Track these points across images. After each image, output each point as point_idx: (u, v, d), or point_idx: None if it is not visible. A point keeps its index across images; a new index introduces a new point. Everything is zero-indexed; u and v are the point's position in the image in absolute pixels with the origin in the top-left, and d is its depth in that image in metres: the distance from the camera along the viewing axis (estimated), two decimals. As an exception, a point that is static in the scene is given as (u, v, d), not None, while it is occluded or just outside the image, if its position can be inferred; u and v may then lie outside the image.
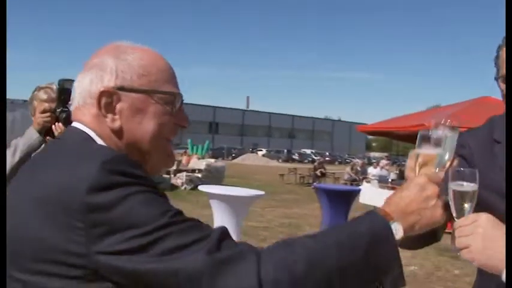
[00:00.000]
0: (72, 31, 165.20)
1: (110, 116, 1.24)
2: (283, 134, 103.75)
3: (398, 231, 1.18)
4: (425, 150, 1.42)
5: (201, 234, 1.05)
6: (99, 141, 1.23)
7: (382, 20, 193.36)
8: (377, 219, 1.19)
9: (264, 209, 15.22)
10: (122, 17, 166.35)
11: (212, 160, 23.68)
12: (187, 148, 28.07)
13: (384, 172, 20.59)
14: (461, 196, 1.38)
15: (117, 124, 1.24)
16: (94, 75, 1.24)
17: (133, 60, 1.26)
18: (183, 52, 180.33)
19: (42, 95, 3.09)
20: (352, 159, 38.84)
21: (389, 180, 16.81)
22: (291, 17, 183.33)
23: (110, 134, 1.24)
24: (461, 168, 1.41)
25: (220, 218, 6.92)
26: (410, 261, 9.35)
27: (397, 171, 21.06)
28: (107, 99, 1.23)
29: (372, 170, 21.32)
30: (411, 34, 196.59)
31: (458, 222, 1.40)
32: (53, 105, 2.97)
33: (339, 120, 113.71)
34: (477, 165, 1.64)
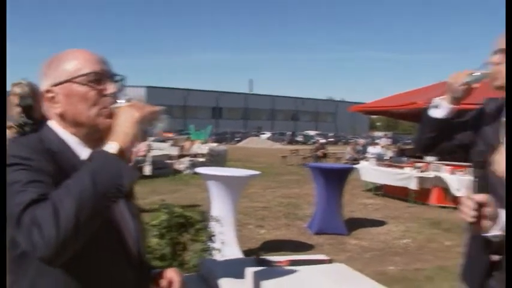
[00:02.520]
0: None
1: (53, 105, 1.66)
2: (287, 116, 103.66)
3: (111, 148, 1.50)
4: None
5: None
6: (53, 127, 1.67)
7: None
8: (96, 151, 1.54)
9: (265, 190, 15.52)
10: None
11: (214, 144, 23.95)
12: (190, 134, 28.37)
13: (383, 151, 20.93)
14: None
15: (58, 110, 1.65)
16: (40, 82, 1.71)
17: (59, 63, 1.66)
18: (184, 38, 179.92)
19: (16, 89, 3.42)
20: (356, 139, 38.97)
21: (387, 158, 17.04)
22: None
23: (58, 118, 1.66)
24: None
25: (216, 198, 7.18)
26: (404, 235, 9.65)
27: (396, 149, 21.32)
28: (48, 95, 1.66)
29: (371, 149, 21.60)
30: (414, 11, 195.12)
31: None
32: (28, 100, 3.33)
33: (342, 101, 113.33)
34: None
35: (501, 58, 2.17)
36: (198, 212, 3.21)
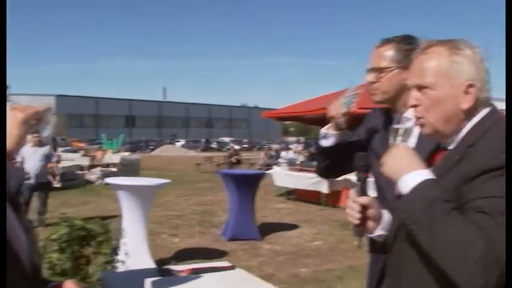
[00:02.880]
0: None
1: None
2: (201, 123, 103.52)
3: None
4: None
5: None
6: None
7: (297, 3, 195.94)
8: None
9: (179, 198, 15.41)
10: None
11: (126, 153, 23.54)
12: (102, 143, 27.73)
13: (295, 156, 21.37)
14: None
15: None
16: None
17: None
18: (97, 45, 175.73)
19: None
20: (270, 145, 39.47)
21: (299, 162, 17.36)
22: (203, 5, 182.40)
23: None
24: None
25: (127, 208, 7.06)
26: (316, 237, 9.86)
27: (307, 154, 21.80)
28: None
29: (283, 154, 21.97)
30: (324, 17, 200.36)
31: None
32: None
33: (256, 107, 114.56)
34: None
35: (374, 76, 2.35)
36: (99, 224, 3.13)
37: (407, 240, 1.55)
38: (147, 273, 2.42)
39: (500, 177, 1.40)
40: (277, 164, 18.80)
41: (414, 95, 1.65)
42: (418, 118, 1.66)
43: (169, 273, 2.42)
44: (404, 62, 2.27)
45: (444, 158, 1.63)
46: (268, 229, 10.28)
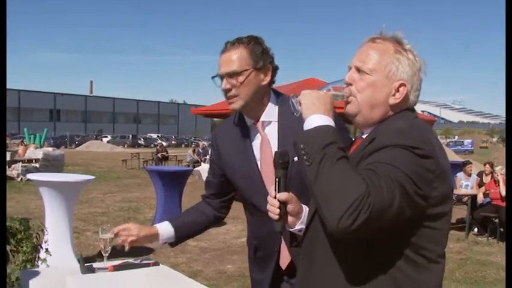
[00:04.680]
0: None
1: None
2: (129, 119, 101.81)
3: None
4: None
5: None
6: None
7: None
8: None
9: (105, 195, 15.10)
10: None
11: (50, 149, 22.77)
12: (24, 138, 26.74)
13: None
14: None
15: None
16: None
17: None
18: (16, 37, 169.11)
19: None
20: (198, 142, 39.28)
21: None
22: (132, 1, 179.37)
23: None
24: None
25: (50, 205, 6.82)
26: (242, 234, 9.90)
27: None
28: None
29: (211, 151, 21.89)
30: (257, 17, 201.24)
31: None
32: None
33: (184, 104, 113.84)
34: None
35: (229, 83, 2.22)
36: (19, 221, 3.01)
37: (321, 225, 1.60)
38: (69, 271, 2.35)
39: (393, 148, 1.50)
40: (205, 160, 18.74)
41: (350, 74, 1.74)
42: (348, 96, 1.74)
43: (92, 270, 2.36)
44: (259, 64, 2.22)
45: (358, 145, 1.73)
46: (195, 226, 10.22)
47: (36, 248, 3.17)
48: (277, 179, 1.74)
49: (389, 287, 1.55)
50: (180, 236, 2.53)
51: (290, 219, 1.81)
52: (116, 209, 12.61)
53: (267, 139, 2.33)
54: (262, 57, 2.23)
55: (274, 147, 2.27)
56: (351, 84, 1.73)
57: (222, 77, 2.23)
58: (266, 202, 1.78)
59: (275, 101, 2.36)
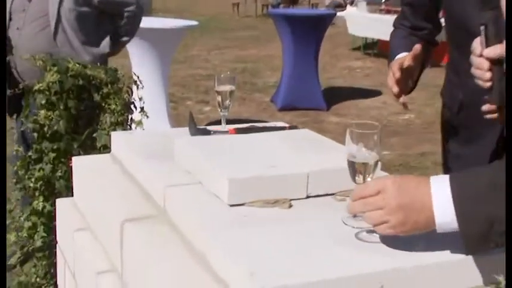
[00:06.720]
0: None
1: None
2: None
3: None
4: None
5: None
6: None
7: None
8: None
9: (210, 52, 15.42)
10: None
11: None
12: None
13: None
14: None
15: None
16: None
17: None
18: None
19: None
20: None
21: (383, 1, 16.85)
22: None
23: None
24: None
25: (138, 64, 7.01)
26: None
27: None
28: None
29: (361, -10, 21.34)
30: None
31: (357, 192, 1.54)
32: None
33: None
34: None
35: None
36: (104, 70, 3.10)
37: None
38: (172, 134, 2.44)
39: None
40: (352, 2, 18.42)
41: None
42: None
43: (207, 133, 2.44)
44: None
45: None
46: (337, 96, 10.30)
47: (128, 107, 3.30)
48: (483, 27, 1.64)
49: None
50: None
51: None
52: (225, 70, 12.87)
53: None
54: None
55: None
56: None
57: None
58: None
59: None
